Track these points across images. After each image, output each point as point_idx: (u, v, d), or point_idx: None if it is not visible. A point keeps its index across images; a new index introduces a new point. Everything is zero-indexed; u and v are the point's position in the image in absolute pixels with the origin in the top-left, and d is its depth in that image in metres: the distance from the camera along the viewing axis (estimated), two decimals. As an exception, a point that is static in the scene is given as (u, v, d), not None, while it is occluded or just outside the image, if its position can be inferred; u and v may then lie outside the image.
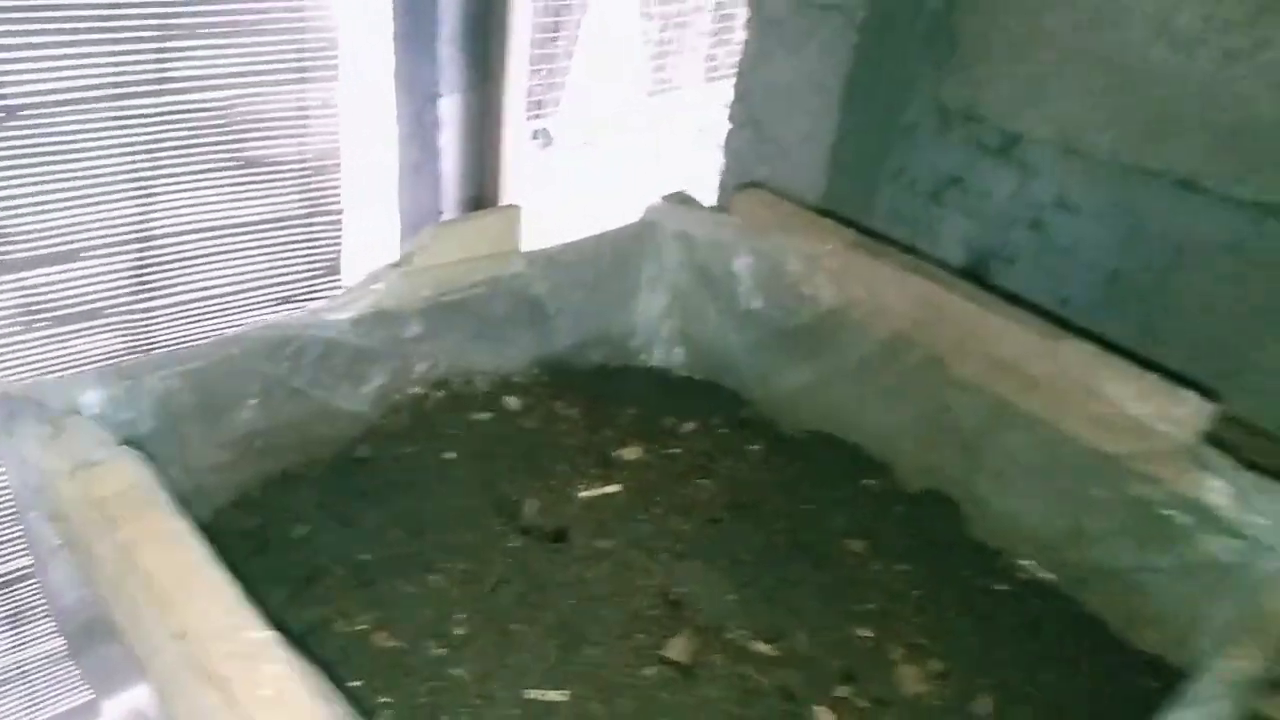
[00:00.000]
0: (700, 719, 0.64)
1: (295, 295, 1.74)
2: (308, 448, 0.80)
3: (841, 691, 0.68)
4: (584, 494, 0.81)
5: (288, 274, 2.08)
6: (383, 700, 0.63)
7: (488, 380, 0.91)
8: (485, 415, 0.88)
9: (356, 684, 0.64)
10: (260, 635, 0.48)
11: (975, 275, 1.43)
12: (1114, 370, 0.75)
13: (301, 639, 0.65)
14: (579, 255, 0.94)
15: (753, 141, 1.45)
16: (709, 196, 1.35)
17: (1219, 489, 0.69)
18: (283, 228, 2.05)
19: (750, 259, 0.95)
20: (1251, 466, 0.72)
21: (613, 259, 0.98)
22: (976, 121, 1.36)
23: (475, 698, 0.64)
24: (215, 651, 0.47)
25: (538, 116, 2.33)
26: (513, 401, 0.90)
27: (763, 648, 0.69)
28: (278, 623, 0.51)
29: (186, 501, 0.71)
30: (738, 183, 1.49)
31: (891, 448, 0.90)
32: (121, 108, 1.66)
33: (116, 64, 1.59)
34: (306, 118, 1.97)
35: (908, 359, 0.86)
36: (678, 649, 0.67)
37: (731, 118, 1.47)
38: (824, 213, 1.12)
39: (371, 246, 1.79)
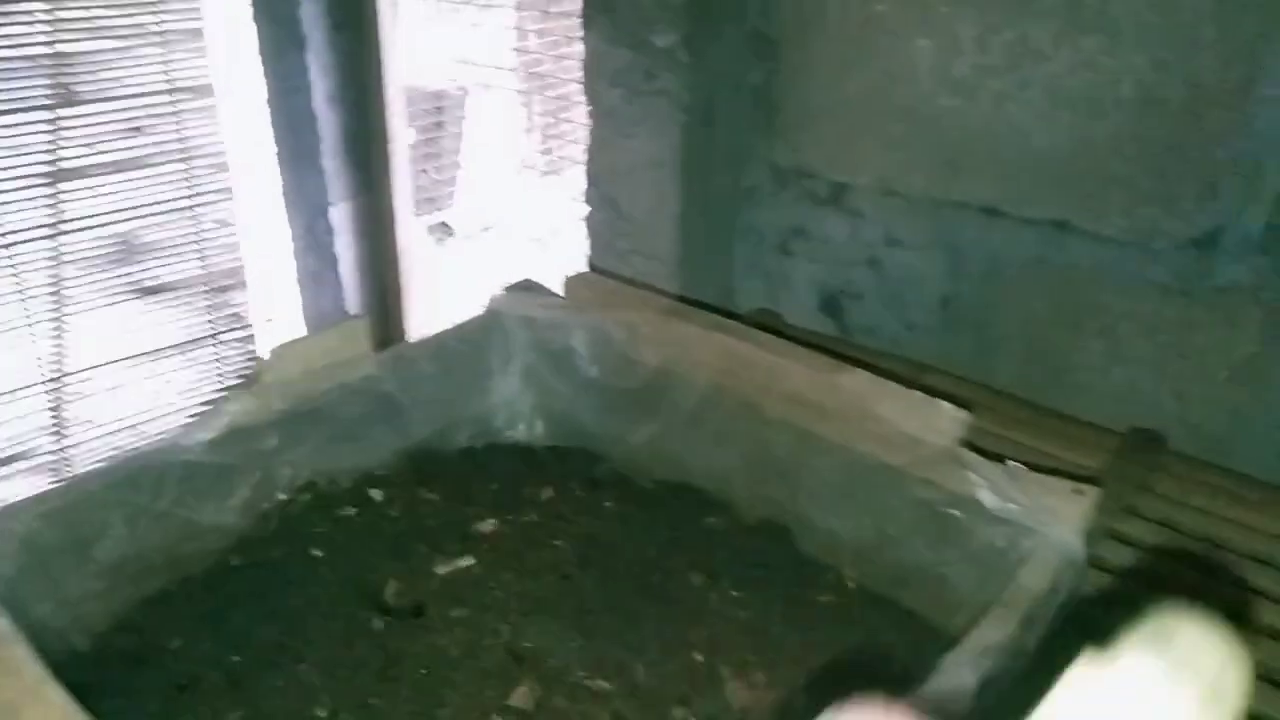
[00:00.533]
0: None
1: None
2: (180, 565, 0.86)
3: (677, 713, 0.75)
4: (441, 570, 0.88)
5: (204, 392, 2.13)
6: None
7: (352, 477, 0.98)
8: (351, 510, 0.95)
9: (226, 777, 0.69)
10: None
11: (830, 313, 1.56)
12: (884, 392, 0.86)
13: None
14: (425, 350, 1.03)
15: (610, 219, 1.57)
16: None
17: (978, 483, 0.80)
18: (194, 348, 2.11)
19: (582, 334, 1.04)
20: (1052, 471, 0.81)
21: (462, 348, 1.07)
22: (807, 177, 1.50)
23: (337, 772, 0.70)
24: (55, 758, 0.53)
25: (436, 212, 2.44)
26: (377, 494, 0.97)
27: (602, 685, 0.77)
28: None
29: (62, 632, 0.77)
30: (600, 257, 1.61)
31: (728, 486, 0.99)
32: (15, 254, 1.72)
33: (6, 213, 1.66)
34: (205, 241, 2.06)
35: (725, 406, 0.96)
36: (520, 697, 0.74)
37: (588, 200, 1.60)
38: (649, 286, 1.24)
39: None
